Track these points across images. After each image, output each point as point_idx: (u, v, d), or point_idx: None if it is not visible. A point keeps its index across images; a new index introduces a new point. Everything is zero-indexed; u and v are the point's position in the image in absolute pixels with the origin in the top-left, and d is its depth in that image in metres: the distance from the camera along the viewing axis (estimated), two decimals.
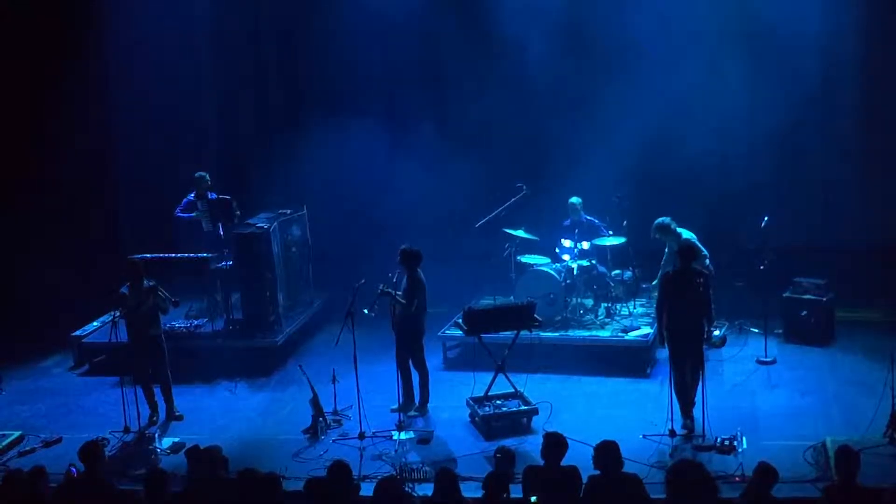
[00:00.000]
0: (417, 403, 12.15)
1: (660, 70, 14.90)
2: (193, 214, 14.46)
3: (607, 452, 8.39)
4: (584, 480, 8.46)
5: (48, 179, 16.06)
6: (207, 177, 14.46)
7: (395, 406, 11.93)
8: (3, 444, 11.64)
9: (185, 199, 14.50)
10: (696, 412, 11.12)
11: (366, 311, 11.72)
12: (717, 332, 13.18)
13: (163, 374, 12.15)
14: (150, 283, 11.96)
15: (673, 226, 13.03)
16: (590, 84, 15.09)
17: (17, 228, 15.99)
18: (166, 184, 15.71)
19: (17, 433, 11.93)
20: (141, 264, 12.17)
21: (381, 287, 11.75)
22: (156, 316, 12.01)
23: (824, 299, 13.65)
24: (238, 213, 14.32)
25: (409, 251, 11.85)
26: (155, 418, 12.14)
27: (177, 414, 12.22)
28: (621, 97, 14.99)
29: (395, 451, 11.07)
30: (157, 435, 11.68)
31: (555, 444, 8.68)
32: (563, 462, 8.65)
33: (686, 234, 13.02)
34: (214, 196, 14.37)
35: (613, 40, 15.02)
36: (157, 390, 12.21)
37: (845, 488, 8.17)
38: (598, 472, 8.41)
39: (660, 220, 13.04)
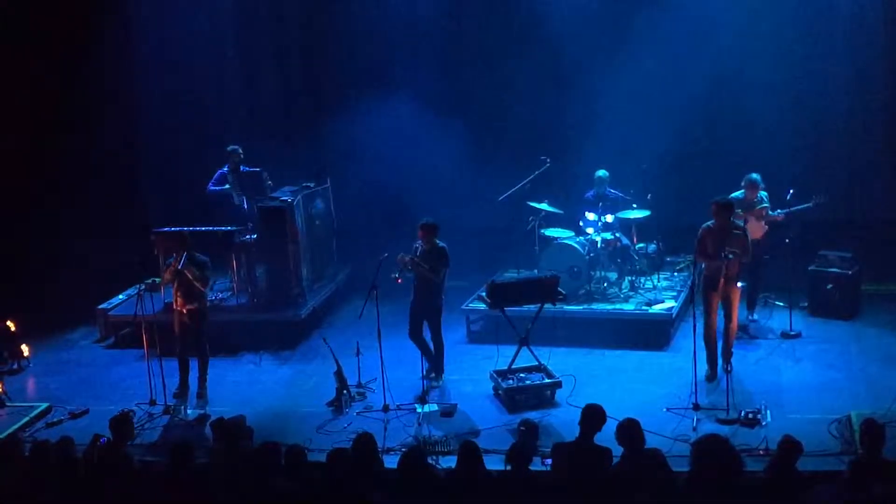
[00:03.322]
0: (434, 374, 12.19)
1: (686, 42, 14.76)
2: (225, 187, 14.49)
3: (630, 430, 8.40)
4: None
5: (76, 154, 16.14)
6: (240, 150, 14.46)
7: (423, 375, 12.03)
8: (31, 415, 11.74)
9: (218, 172, 14.51)
10: (721, 388, 11.12)
11: (395, 275, 11.71)
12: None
13: (201, 348, 12.16)
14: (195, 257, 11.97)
15: (761, 184, 13.07)
16: (615, 56, 14.94)
17: (45, 202, 16.08)
18: (192, 159, 15.77)
19: (44, 405, 12.03)
20: (188, 236, 12.17)
21: (408, 257, 11.71)
22: (192, 289, 11.93)
23: (850, 272, 13.56)
24: (270, 183, 14.35)
25: (431, 224, 11.83)
26: (180, 391, 12.15)
27: (201, 392, 12.17)
28: (647, 69, 14.91)
29: (419, 423, 11.10)
30: (183, 407, 11.77)
31: (593, 415, 8.66)
32: None
33: (763, 193, 13.12)
34: (246, 169, 14.42)
35: (640, 11, 14.90)
36: (193, 364, 12.20)
37: (870, 462, 8.14)
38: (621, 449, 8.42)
39: (753, 174, 13.07)
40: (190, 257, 11.83)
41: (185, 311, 11.96)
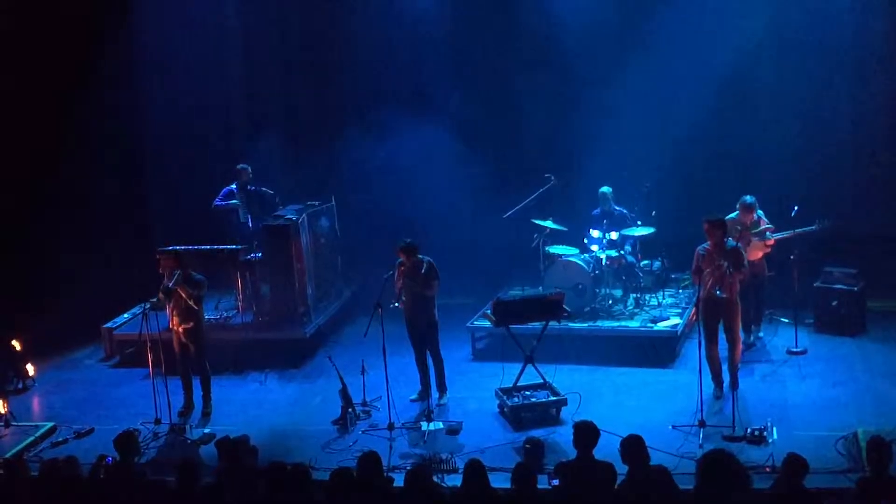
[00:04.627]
0: (437, 393, 12.19)
1: (690, 59, 14.77)
2: (231, 202, 14.53)
3: (634, 447, 8.37)
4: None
5: (81, 172, 16.15)
6: (249, 169, 14.57)
7: (415, 396, 12.18)
8: (36, 434, 11.75)
9: (225, 189, 14.60)
10: (727, 404, 11.09)
11: (395, 304, 11.77)
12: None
13: (201, 367, 12.20)
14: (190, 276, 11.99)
15: (755, 206, 12.97)
16: (620, 73, 14.95)
17: (50, 220, 16.09)
18: (198, 178, 15.79)
19: (49, 424, 12.05)
20: (182, 254, 12.28)
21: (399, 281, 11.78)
22: (188, 308, 11.98)
23: (855, 289, 13.54)
24: (281, 207, 14.42)
25: (409, 246, 11.68)
26: (185, 410, 12.19)
27: (206, 410, 12.23)
28: (651, 85, 14.94)
29: (424, 441, 11.09)
30: (188, 426, 11.76)
31: (586, 431, 8.67)
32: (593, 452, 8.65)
33: (760, 213, 13.06)
34: (254, 188, 14.47)
35: (644, 30, 14.91)
36: (196, 382, 12.28)
37: (877, 479, 8.11)
38: (625, 466, 8.40)
39: (748, 197, 12.96)
40: (185, 276, 11.86)
41: (181, 329, 12.00)
